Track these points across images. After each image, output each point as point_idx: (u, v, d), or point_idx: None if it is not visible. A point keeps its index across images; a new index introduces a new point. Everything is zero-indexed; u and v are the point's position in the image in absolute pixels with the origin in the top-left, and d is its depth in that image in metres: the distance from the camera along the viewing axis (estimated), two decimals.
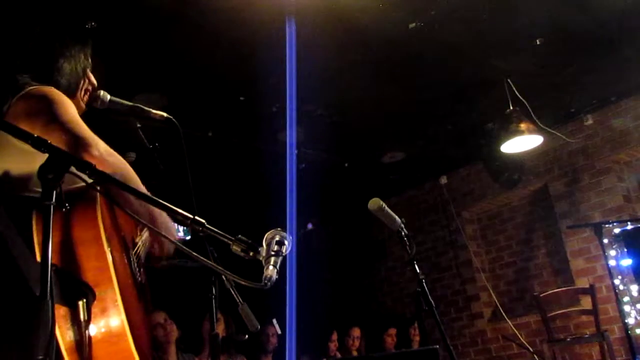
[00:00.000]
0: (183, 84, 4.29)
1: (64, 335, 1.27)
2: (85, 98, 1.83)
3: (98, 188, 1.37)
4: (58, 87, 1.69)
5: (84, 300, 1.28)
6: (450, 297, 6.87)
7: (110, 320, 1.31)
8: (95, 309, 1.30)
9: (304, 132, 5.16)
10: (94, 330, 1.30)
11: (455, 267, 6.88)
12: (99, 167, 1.46)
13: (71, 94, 1.74)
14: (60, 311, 1.27)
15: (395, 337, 6.31)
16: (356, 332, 6.17)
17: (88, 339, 1.28)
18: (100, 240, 1.34)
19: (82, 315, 1.27)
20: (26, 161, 1.46)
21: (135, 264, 1.66)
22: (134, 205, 1.50)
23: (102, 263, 1.33)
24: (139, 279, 1.67)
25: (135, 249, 1.72)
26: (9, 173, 1.50)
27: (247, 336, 4.88)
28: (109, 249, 1.35)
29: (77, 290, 1.29)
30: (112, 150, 1.57)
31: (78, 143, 1.49)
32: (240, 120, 4.94)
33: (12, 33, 3.04)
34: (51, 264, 1.23)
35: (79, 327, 1.27)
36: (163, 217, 1.65)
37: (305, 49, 3.87)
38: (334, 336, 5.93)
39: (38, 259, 1.30)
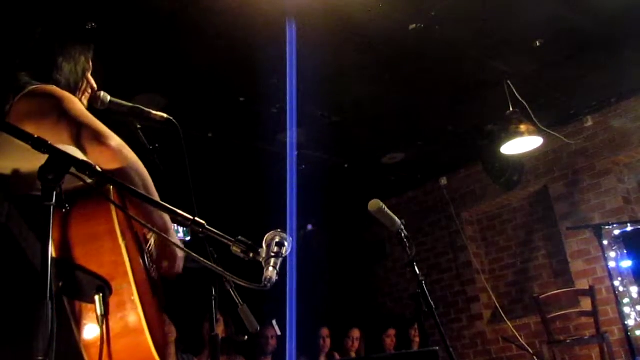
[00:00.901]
0: (183, 85, 4.29)
1: (81, 330, 1.28)
2: (84, 100, 1.83)
3: (104, 189, 1.37)
4: (58, 86, 1.69)
5: (101, 294, 1.29)
6: (450, 299, 6.87)
7: (127, 315, 1.31)
8: (111, 304, 1.30)
9: (304, 133, 5.17)
10: (111, 324, 1.30)
11: (455, 268, 6.88)
12: (116, 158, 1.47)
13: (71, 93, 1.73)
14: (77, 306, 1.28)
15: (395, 337, 6.30)
16: (356, 333, 6.16)
17: (106, 334, 1.29)
18: (115, 234, 1.35)
19: (99, 310, 1.28)
20: (33, 160, 1.46)
21: (149, 260, 1.67)
22: (141, 205, 1.51)
23: (118, 257, 1.33)
24: (153, 274, 1.67)
25: (148, 245, 1.72)
26: (17, 172, 1.50)
27: (246, 337, 4.88)
28: (124, 243, 1.36)
29: (93, 285, 1.29)
30: (125, 144, 1.57)
31: (93, 135, 1.48)
32: (241, 121, 4.94)
33: (12, 33, 3.04)
34: (65, 259, 1.24)
35: (97, 321, 1.28)
36: (169, 222, 1.66)
37: (305, 50, 3.87)
38: (324, 332, 5.87)
39: (53, 254, 1.30)
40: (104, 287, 1.30)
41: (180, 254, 1.71)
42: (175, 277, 1.75)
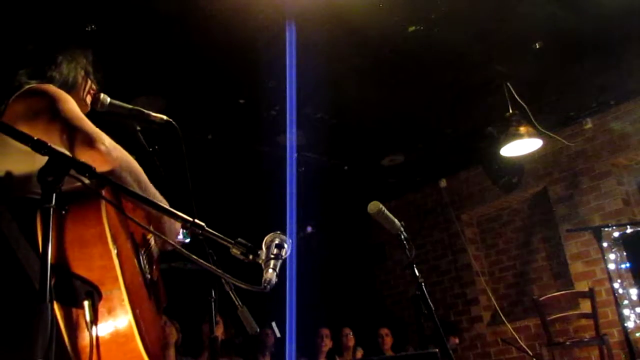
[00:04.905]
0: (183, 87, 4.29)
1: (70, 336, 1.26)
2: (88, 99, 1.83)
3: (100, 191, 1.36)
4: (52, 82, 1.68)
5: (90, 300, 1.26)
6: (450, 301, 6.86)
7: (117, 320, 1.29)
8: (101, 309, 1.28)
9: (304, 135, 5.17)
10: (101, 330, 1.28)
11: (454, 270, 6.88)
12: (106, 161, 1.45)
13: (67, 91, 1.72)
14: (67, 311, 1.26)
15: (390, 336, 6.29)
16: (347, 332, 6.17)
17: (95, 340, 1.26)
18: (105, 238, 1.32)
19: (88, 316, 1.25)
20: (27, 162, 1.45)
21: (146, 262, 1.65)
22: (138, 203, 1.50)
23: (107, 262, 1.30)
24: (149, 276, 1.64)
25: (146, 245, 1.70)
26: (10, 174, 1.49)
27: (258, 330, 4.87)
28: (115, 247, 1.33)
29: (82, 290, 1.27)
30: (117, 145, 1.55)
31: (83, 138, 1.46)
32: (240, 123, 4.94)
33: (13, 33, 3.04)
34: (54, 264, 1.20)
35: (86, 327, 1.26)
36: (170, 219, 1.65)
37: (305, 52, 3.87)
38: (324, 332, 5.86)
39: None
40: (93, 293, 1.27)
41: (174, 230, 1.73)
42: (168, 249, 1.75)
